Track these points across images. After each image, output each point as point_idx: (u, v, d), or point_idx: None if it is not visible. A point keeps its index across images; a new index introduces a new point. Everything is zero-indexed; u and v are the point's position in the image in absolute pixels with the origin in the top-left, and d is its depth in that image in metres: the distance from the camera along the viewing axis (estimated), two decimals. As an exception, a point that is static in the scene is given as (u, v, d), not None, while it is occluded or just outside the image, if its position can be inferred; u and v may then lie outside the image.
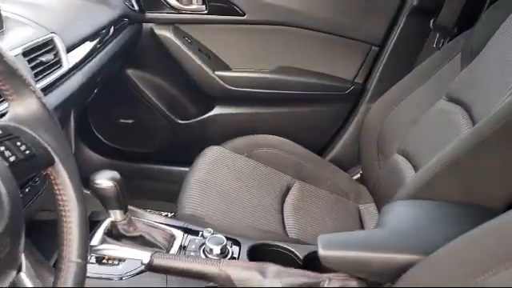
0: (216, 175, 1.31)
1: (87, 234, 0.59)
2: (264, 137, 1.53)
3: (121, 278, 0.86)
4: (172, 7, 1.59)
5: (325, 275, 0.83)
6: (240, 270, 0.81)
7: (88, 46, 1.18)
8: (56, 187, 0.59)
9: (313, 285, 0.82)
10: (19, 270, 0.50)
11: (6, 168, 0.49)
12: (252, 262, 0.85)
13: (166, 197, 1.63)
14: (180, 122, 1.77)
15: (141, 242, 0.92)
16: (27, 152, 0.55)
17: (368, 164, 1.46)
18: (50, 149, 0.58)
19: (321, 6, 1.61)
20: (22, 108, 0.57)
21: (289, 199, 1.33)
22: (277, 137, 1.53)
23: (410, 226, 0.85)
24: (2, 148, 0.52)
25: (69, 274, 0.56)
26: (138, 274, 0.87)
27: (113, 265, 0.88)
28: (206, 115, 1.74)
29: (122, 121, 1.75)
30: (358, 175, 1.60)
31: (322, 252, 0.79)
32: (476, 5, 1.42)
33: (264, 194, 1.30)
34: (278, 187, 1.35)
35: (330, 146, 1.74)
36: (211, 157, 1.38)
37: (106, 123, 1.76)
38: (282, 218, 1.25)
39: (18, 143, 0.54)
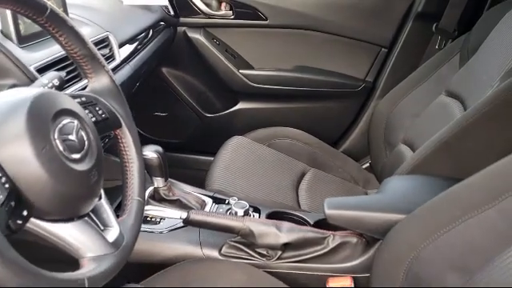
0: (239, 160, 1.45)
1: (144, 180, 0.77)
2: (283, 129, 1.66)
3: (161, 232, 1.04)
4: (203, 13, 1.74)
5: (330, 232, 0.99)
6: (260, 225, 0.98)
7: (133, 45, 1.37)
8: (122, 145, 0.78)
9: (320, 239, 0.98)
10: (100, 198, 0.68)
11: (92, 123, 0.68)
12: (270, 220, 1.02)
13: (195, 183, 1.79)
14: (207, 115, 1.91)
15: (178, 204, 1.09)
16: (103, 115, 0.73)
17: (376, 154, 1.59)
18: (118, 115, 0.76)
19: (335, 11, 1.74)
20: (98, 83, 0.76)
21: (303, 183, 1.46)
22: (294, 129, 1.66)
23: (401, 193, 1.01)
24: (87, 111, 0.70)
25: (132, 208, 0.74)
26: (175, 229, 1.04)
27: (155, 223, 1.06)
28: (231, 109, 1.88)
29: (156, 113, 1.90)
30: (367, 164, 1.73)
31: (327, 211, 0.96)
32: (473, 11, 1.54)
33: (281, 178, 1.43)
34: (294, 173, 1.48)
35: (342, 138, 1.87)
36: (235, 145, 1.52)
37: (143, 115, 1.87)
38: (297, 197, 1.39)
39: (97, 108, 0.73)
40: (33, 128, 0.56)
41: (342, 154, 1.73)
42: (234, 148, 1.51)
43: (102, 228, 0.65)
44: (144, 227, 1.04)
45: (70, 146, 0.59)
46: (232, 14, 1.76)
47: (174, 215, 1.05)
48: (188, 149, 1.93)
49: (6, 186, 0.52)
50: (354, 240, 0.98)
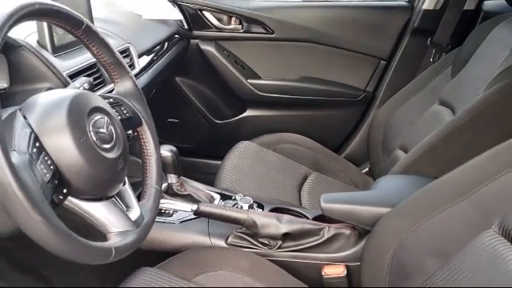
0: (246, 162, 1.55)
1: (161, 171, 0.89)
2: (287, 135, 1.75)
3: (173, 223, 1.15)
4: (214, 26, 1.85)
5: (325, 224, 1.09)
6: (263, 217, 1.08)
7: (150, 55, 1.49)
8: (142, 141, 0.90)
9: (316, 230, 1.09)
10: (124, 184, 0.80)
11: (119, 120, 0.80)
12: (272, 213, 1.13)
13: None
14: (217, 121, 2.02)
15: (189, 199, 1.20)
16: (127, 114, 0.85)
17: (374, 159, 1.68)
18: (139, 114, 0.89)
19: (338, 26, 1.84)
20: (123, 87, 0.88)
21: (306, 185, 1.55)
22: (298, 135, 1.75)
23: (390, 189, 1.12)
24: (114, 110, 0.82)
25: (150, 194, 0.86)
26: (186, 221, 1.15)
27: (169, 215, 1.16)
28: (239, 116, 1.98)
29: (169, 120, 2.00)
30: (367, 169, 1.82)
31: (323, 204, 1.06)
32: (466, 26, 1.65)
33: (285, 180, 1.52)
34: (297, 175, 1.56)
35: (344, 144, 1.96)
36: (242, 149, 1.62)
37: (157, 121, 1.99)
38: (299, 197, 1.48)
39: (122, 108, 0.85)
40: (72, 122, 0.68)
41: (343, 158, 1.82)
42: (242, 152, 1.61)
43: (126, 209, 0.77)
44: (158, 219, 1.15)
45: (102, 138, 0.71)
46: (241, 28, 1.87)
47: (186, 208, 1.16)
48: (198, 153, 2.03)
49: (51, 167, 0.64)
50: (347, 232, 1.08)
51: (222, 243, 1.11)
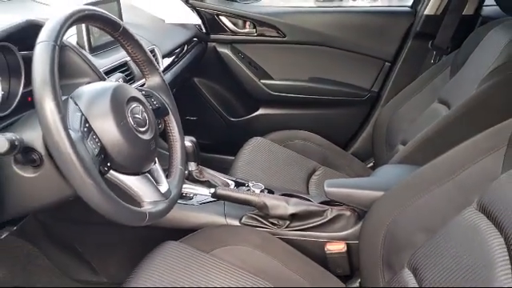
0: (258, 157, 1.67)
1: (185, 154, 1.03)
2: (297, 132, 1.85)
3: (193, 205, 1.28)
4: (230, 30, 1.99)
5: (328, 206, 1.22)
6: (272, 199, 1.22)
7: (171, 57, 1.64)
8: (169, 128, 1.04)
9: (320, 212, 1.21)
10: (155, 163, 0.93)
11: (151, 110, 0.93)
12: (280, 196, 1.26)
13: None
14: (232, 119, 2.14)
15: (207, 184, 1.33)
16: (157, 105, 0.99)
17: (378, 154, 1.80)
18: (166, 105, 1.03)
19: (345, 30, 1.96)
20: (153, 81, 1.02)
21: (313, 178, 1.65)
22: (308, 132, 1.85)
23: (387, 176, 1.24)
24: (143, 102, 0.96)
25: (176, 173, 1.00)
26: (204, 203, 1.29)
27: (189, 198, 1.30)
28: (253, 114, 2.11)
29: (187, 117, 2.11)
30: (372, 164, 1.92)
31: (326, 188, 1.19)
32: (465, 30, 1.75)
33: (294, 173, 1.63)
34: (306, 169, 1.67)
35: (351, 141, 2.07)
36: (255, 144, 1.73)
37: None
38: (307, 189, 1.59)
39: (152, 100, 0.99)
40: (114, 108, 0.82)
41: (349, 154, 1.94)
42: (254, 147, 1.72)
43: (156, 184, 0.91)
44: (180, 201, 1.28)
45: (138, 122, 0.86)
46: (255, 32, 2.00)
47: (204, 192, 1.29)
48: (214, 149, 2.13)
49: (98, 144, 0.78)
50: (348, 213, 1.20)
51: (236, 223, 1.24)
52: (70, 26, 0.78)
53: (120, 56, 1.24)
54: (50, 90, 0.69)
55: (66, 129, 0.69)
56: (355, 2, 2.63)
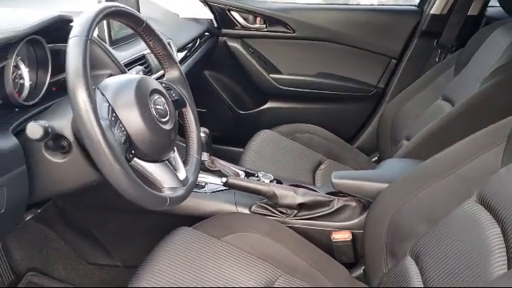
0: (266, 148, 1.72)
1: (200, 144, 1.08)
2: (305, 125, 1.91)
3: (205, 193, 1.34)
4: (241, 25, 2.04)
5: (335, 197, 1.28)
6: (281, 189, 1.27)
7: (184, 51, 1.69)
8: (186, 120, 1.09)
9: (327, 202, 1.27)
10: (174, 152, 0.99)
11: (171, 101, 0.99)
12: (289, 186, 1.31)
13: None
14: (241, 112, 2.20)
15: (218, 174, 1.38)
16: (175, 97, 1.04)
17: (383, 148, 1.85)
18: (184, 98, 1.08)
19: (353, 27, 2.01)
20: (172, 74, 1.07)
21: (320, 170, 1.71)
22: (314, 126, 1.90)
23: (392, 169, 1.29)
24: (165, 94, 1.02)
25: (193, 162, 1.05)
26: (216, 191, 1.34)
27: (202, 186, 1.35)
28: (261, 107, 2.16)
29: (198, 109, 2.16)
30: (376, 158, 1.97)
31: (334, 180, 1.25)
32: (470, 30, 1.80)
33: (301, 164, 1.69)
34: (312, 161, 1.73)
35: (356, 135, 2.12)
36: (263, 137, 1.78)
37: None
38: (313, 180, 1.65)
39: (171, 92, 1.04)
40: (138, 99, 0.87)
41: (355, 148, 1.99)
42: (263, 139, 1.78)
43: (174, 171, 0.97)
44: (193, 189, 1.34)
45: (160, 113, 0.91)
46: (265, 27, 2.05)
47: (216, 181, 1.35)
48: (223, 141, 2.18)
49: (124, 133, 0.84)
50: (354, 204, 1.26)
51: (246, 211, 1.29)
52: (100, 21, 0.83)
53: (138, 49, 1.30)
54: (83, 82, 0.75)
55: (97, 117, 0.75)
56: (363, 0, 2.68)
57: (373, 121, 2.09)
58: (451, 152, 1.08)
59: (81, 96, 0.74)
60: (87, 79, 0.75)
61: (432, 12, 1.93)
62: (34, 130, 0.76)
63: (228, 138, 2.20)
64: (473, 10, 1.87)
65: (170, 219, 1.22)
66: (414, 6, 2.04)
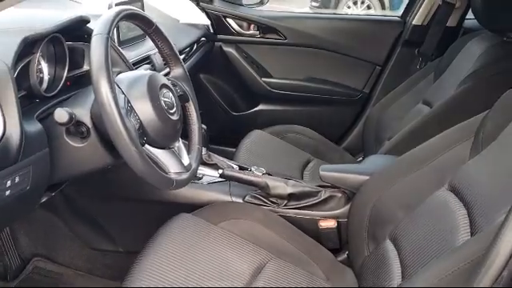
0: (258, 147, 1.81)
1: (201, 135, 1.19)
2: (294, 126, 2.01)
3: (202, 184, 1.44)
4: (236, 32, 2.15)
5: (322, 188, 1.39)
6: (273, 180, 1.37)
7: (182, 55, 1.79)
8: (188, 113, 1.20)
9: (314, 193, 1.38)
10: (179, 141, 1.10)
11: (177, 95, 1.10)
12: (280, 178, 1.42)
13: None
14: (234, 113, 2.29)
15: (215, 167, 1.48)
16: (180, 92, 1.15)
17: (368, 149, 1.96)
18: (187, 93, 1.19)
19: (341, 35, 2.13)
20: (177, 72, 1.18)
21: (307, 168, 1.80)
22: (303, 127, 2.01)
23: (373, 163, 1.41)
24: (172, 89, 1.12)
25: (194, 151, 1.16)
26: (212, 183, 1.44)
27: (199, 178, 1.45)
28: (253, 109, 2.26)
29: None
30: (361, 158, 2.07)
31: (321, 172, 1.36)
32: (449, 40, 1.93)
33: (290, 162, 1.78)
34: (301, 160, 1.82)
35: (343, 136, 2.23)
36: (255, 136, 1.87)
37: None
38: (302, 177, 1.75)
39: (176, 88, 1.15)
40: (150, 92, 0.98)
41: (341, 149, 2.11)
42: (254, 139, 1.87)
43: (180, 158, 1.08)
44: (191, 180, 1.44)
45: (168, 105, 1.02)
46: (258, 34, 2.16)
47: (212, 173, 1.45)
48: (216, 141, 2.17)
49: (138, 120, 0.95)
50: (339, 195, 1.36)
51: (240, 200, 1.39)
52: (118, 21, 0.95)
53: (144, 50, 1.41)
54: (105, 74, 0.85)
55: (117, 105, 0.85)
56: (350, 10, 2.82)
57: (359, 123, 2.20)
58: (426, 146, 1.21)
59: (104, 87, 0.85)
60: (109, 72, 0.86)
61: (414, 23, 2.07)
62: (61, 115, 0.87)
63: (221, 137, 2.25)
64: (451, 22, 2.01)
65: (170, 208, 1.32)
66: (398, 16, 2.18)
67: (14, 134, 0.83)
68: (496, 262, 0.60)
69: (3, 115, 0.82)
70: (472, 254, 0.74)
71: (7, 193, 0.84)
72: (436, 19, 2.01)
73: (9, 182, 0.84)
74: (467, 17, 2.04)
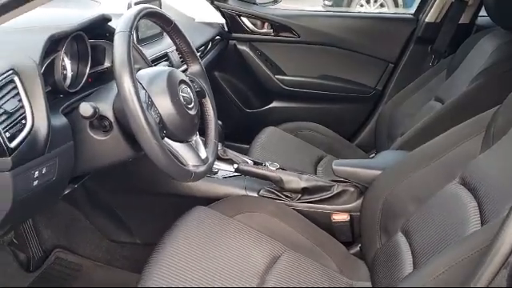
0: (272, 143, 1.84)
1: (217, 130, 1.23)
2: (307, 123, 2.04)
3: (217, 178, 1.47)
4: (250, 30, 2.18)
5: (335, 182, 1.42)
6: (287, 174, 1.41)
7: (198, 52, 1.83)
8: (205, 108, 1.24)
9: (328, 187, 1.41)
10: (196, 135, 1.14)
11: (194, 91, 1.14)
12: (294, 173, 1.45)
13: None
14: (247, 110, 2.32)
15: (229, 162, 1.52)
16: (197, 89, 1.19)
17: (380, 145, 1.98)
18: (204, 89, 1.23)
19: (354, 33, 2.15)
20: (194, 69, 1.22)
21: (321, 164, 1.82)
22: (316, 124, 2.03)
23: (384, 159, 1.44)
24: (190, 85, 1.16)
25: (211, 145, 1.20)
26: (227, 177, 1.48)
27: (214, 173, 1.49)
28: (267, 107, 2.29)
29: None
30: (373, 155, 2.08)
31: (334, 167, 1.39)
32: (462, 37, 1.94)
33: (303, 159, 1.80)
34: (314, 157, 1.84)
35: (356, 133, 2.26)
36: (269, 133, 1.90)
37: None
38: (315, 173, 1.77)
39: (194, 84, 1.19)
40: (170, 87, 1.02)
41: (354, 145, 2.13)
42: (268, 135, 1.90)
43: (197, 151, 1.11)
44: (207, 175, 1.48)
45: (186, 100, 1.06)
46: (272, 32, 2.19)
47: (227, 168, 1.49)
48: (230, 137, 2.21)
49: (158, 115, 0.99)
50: (352, 189, 1.39)
51: (254, 194, 1.42)
52: (140, 19, 0.99)
53: (161, 48, 1.45)
54: (128, 70, 0.90)
55: (139, 100, 0.89)
56: (363, 8, 2.84)
57: (371, 120, 2.22)
58: (437, 141, 1.23)
59: (126, 82, 0.89)
60: (131, 68, 0.90)
61: (427, 20, 2.08)
62: (86, 108, 0.91)
63: (235, 134, 2.28)
64: (464, 19, 2.02)
65: (186, 201, 1.35)
66: (411, 14, 2.20)
67: (41, 127, 0.87)
68: (502, 249, 0.62)
69: (32, 109, 0.87)
70: (481, 243, 0.77)
71: (35, 183, 0.89)
72: (449, 16, 2.02)
73: (36, 173, 0.88)
74: (480, 14, 2.05)
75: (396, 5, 4.37)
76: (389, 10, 3.53)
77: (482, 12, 1.99)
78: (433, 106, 1.75)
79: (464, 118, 1.36)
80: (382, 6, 4.29)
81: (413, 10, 2.21)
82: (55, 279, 1.51)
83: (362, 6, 4.23)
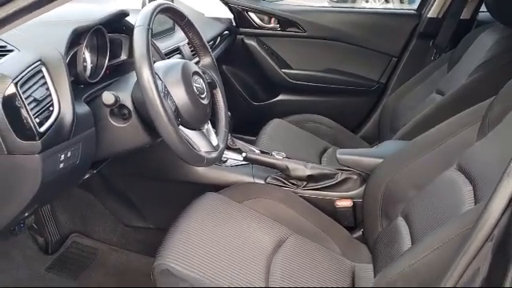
0: (278, 135, 1.90)
1: (227, 119, 1.30)
2: (313, 115, 2.10)
3: (226, 166, 1.54)
4: (257, 25, 2.24)
5: (339, 170, 1.48)
6: (293, 163, 1.47)
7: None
8: (216, 99, 1.31)
9: (332, 175, 1.48)
10: (208, 124, 1.21)
11: (206, 82, 1.21)
12: (299, 161, 1.52)
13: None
14: (254, 103, 2.39)
15: (238, 151, 1.59)
16: (209, 80, 1.26)
17: (383, 138, 2.03)
18: (215, 81, 1.30)
19: (358, 28, 2.21)
20: (206, 61, 1.29)
21: (325, 155, 1.88)
22: (322, 116, 2.09)
23: (386, 148, 1.50)
24: (202, 76, 1.23)
25: (222, 133, 1.27)
26: (236, 166, 1.55)
27: (223, 161, 1.55)
28: (273, 100, 2.36)
29: None
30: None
31: (338, 156, 1.46)
32: (462, 32, 1.99)
33: (308, 150, 1.87)
34: (319, 147, 1.91)
35: (360, 125, 2.32)
36: (275, 125, 1.96)
37: None
38: (320, 163, 1.84)
39: (206, 75, 1.26)
40: (184, 78, 1.09)
41: (358, 137, 2.19)
42: (275, 127, 1.96)
43: (209, 138, 1.18)
44: (216, 163, 1.55)
45: (199, 90, 1.13)
46: (279, 27, 2.25)
47: (236, 157, 1.56)
48: (237, 130, 2.24)
49: (174, 104, 1.06)
50: (355, 177, 1.45)
51: (262, 182, 1.49)
52: (157, 14, 1.06)
53: (173, 42, 1.52)
54: (147, 62, 0.97)
55: (157, 89, 0.97)
56: (368, 4, 2.89)
57: (375, 113, 2.28)
58: (436, 130, 1.30)
59: (145, 73, 0.96)
60: (150, 60, 0.97)
61: (429, 16, 2.14)
62: (108, 97, 0.99)
63: (242, 127, 2.32)
64: (465, 15, 2.07)
65: (197, 187, 1.42)
66: (413, 9, 2.25)
67: (67, 113, 0.94)
68: (487, 224, 0.68)
69: (58, 97, 0.94)
70: (472, 220, 0.83)
71: (60, 166, 0.96)
72: (450, 12, 2.08)
73: (62, 156, 0.96)
74: (480, 10, 2.10)
75: (401, 0, 4.41)
76: (392, 5, 3.58)
77: (483, 8, 2.04)
78: (434, 99, 1.81)
79: (463, 109, 1.41)
80: (386, 1, 4.33)
81: (415, 6, 2.27)
82: (72, 261, 1.59)
83: (367, 1, 4.28)
